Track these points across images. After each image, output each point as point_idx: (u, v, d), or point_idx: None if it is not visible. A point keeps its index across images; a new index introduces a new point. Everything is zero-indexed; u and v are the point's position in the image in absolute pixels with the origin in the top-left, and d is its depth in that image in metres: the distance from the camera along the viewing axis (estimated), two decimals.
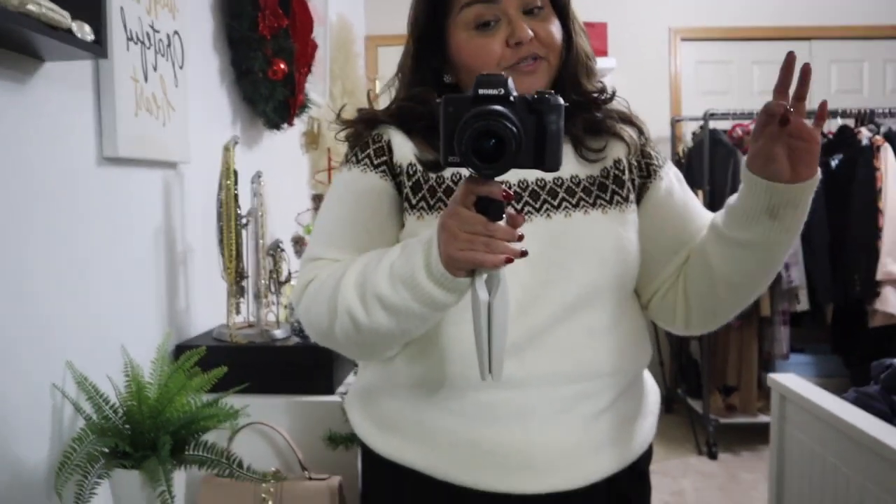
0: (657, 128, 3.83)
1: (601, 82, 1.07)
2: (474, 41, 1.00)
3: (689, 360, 3.83)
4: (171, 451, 1.22)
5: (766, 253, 0.96)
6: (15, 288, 1.15)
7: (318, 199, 2.32)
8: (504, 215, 0.83)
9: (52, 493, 1.17)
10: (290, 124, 2.33)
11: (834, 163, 3.32)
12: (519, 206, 0.97)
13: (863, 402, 1.29)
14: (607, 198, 1.03)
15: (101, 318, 1.39)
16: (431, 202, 1.01)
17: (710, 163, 3.24)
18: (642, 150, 1.07)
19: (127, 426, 1.27)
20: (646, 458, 1.09)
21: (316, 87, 2.64)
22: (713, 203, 3.23)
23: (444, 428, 1.00)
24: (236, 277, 1.70)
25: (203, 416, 1.29)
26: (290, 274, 1.79)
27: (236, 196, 1.69)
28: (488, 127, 0.79)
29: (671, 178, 1.08)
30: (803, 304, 3.18)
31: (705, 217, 1.06)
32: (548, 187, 1.01)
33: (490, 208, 0.81)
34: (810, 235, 3.16)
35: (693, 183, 3.33)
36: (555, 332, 0.97)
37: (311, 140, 2.78)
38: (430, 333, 0.99)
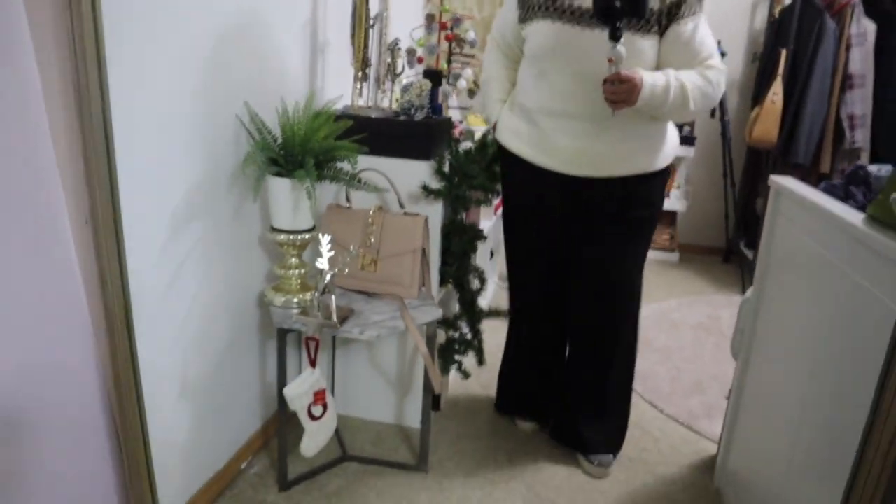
0: None
1: None
2: None
3: (752, 215, 4.13)
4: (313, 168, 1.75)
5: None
6: (212, 55, 1.66)
7: (430, 19, 2.71)
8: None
9: (237, 180, 1.73)
10: None
11: None
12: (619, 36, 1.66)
13: (828, 190, 1.66)
14: (648, 29, 1.75)
15: (268, 77, 1.90)
16: (537, 13, 1.82)
17: (799, 24, 3.39)
18: (670, 8, 1.74)
19: (282, 151, 1.80)
20: (662, 175, 1.96)
21: None
22: (794, 62, 3.42)
23: (549, 138, 1.88)
24: (362, 65, 2.17)
25: (336, 148, 1.80)
26: (403, 69, 2.25)
27: (367, 1, 2.13)
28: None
29: (685, 28, 1.76)
30: None
31: (703, 58, 1.81)
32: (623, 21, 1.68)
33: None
34: (884, 102, 3.33)
35: (779, 43, 3.52)
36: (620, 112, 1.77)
37: None
38: (560, 85, 1.82)
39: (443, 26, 2.70)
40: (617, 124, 1.81)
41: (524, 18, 1.87)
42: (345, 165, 1.87)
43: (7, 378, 1.20)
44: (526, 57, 1.92)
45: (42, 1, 1.11)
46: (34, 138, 1.20)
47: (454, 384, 2.56)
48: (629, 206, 1.92)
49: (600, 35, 1.71)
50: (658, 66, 1.81)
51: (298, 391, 1.79)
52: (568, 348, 2.18)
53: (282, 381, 1.86)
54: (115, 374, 1.27)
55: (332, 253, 1.73)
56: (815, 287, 1.58)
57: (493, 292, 3.47)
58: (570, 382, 2.15)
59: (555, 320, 2.16)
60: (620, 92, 1.68)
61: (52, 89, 1.17)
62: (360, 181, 1.82)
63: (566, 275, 2.07)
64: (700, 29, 1.79)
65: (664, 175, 1.96)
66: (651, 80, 1.72)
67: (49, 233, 1.27)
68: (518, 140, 1.97)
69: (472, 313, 2.27)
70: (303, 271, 1.90)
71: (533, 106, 1.90)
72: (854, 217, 1.40)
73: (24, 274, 1.21)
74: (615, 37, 1.64)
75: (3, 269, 1.16)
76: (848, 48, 3.26)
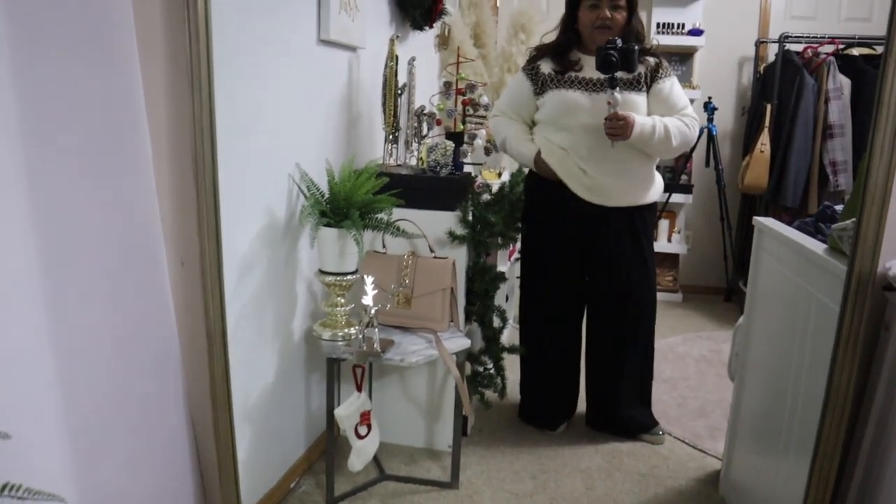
0: (743, 48, 4.33)
1: (644, 43, 2.39)
2: (585, 13, 2.37)
3: (750, 256, 4.39)
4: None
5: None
6: (267, 125, 1.97)
7: (447, 86, 3.03)
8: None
9: (288, 231, 2.02)
10: (430, 27, 3.05)
11: None
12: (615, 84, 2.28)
13: (801, 228, 1.93)
14: (639, 87, 2.22)
15: (315, 143, 2.21)
16: (551, 86, 2.42)
17: (781, 80, 3.72)
18: (652, 72, 2.39)
19: (328, 204, 2.09)
20: (651, 209, 2.54)
21: None
22: (779, 115, 3.74)
23: (574, 170, 2.40)
24: (392, 130, 2.48)
25: (375, 202, 2.09)
26: (428, 132, 2.56)
27: (396, 73, 2.45)
28: (605, 56, 2.20)
29: (664, 86, 2.39)
30: None
31: (680, 108, 2.42)
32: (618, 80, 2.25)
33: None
34: (862, 149, 3.63)
35: (764, 97, 3.85)
36: (618, 146, 2.34)
37: (443, 41, 3.49)
38: (575, 135, 2.38)
39: (459, 92, 3.02)
40: (616, 165, 2.36)
41: (539, 92, 2.44)
42: (382, 216, 2.16)
43: (103, 400, 1.46)
44: (544, 120, 2.45)
45: (159, 110, 1.42)
46: (144, 196, 1.49)
47: (478, 414, 2.80)
48: (629, 225, 2.48)
49: (598, 98, 2.32)
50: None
51: (348, 412, 2.04)
52: (596, 344, 2.67)
53: (330, 406, 2.12)
54: (212, 395, 1.54)
55: (375, 291, 2.00)
56: (791, 309, 1.85)
57: (508, 332, 3.72)
58: (613, 375, 2.64)
59: (573, 330, 2.65)
60: (617, 127, 2.25)
61: (161, 154, 1.47)
62: (398, 229, 2.11)
63: (583, 295, 2.60)
64: (675, 87, 2.42)
65: (654, 207, 2.59)
66: (641, 120, 2.30)
67: (150, 272, 1.56)
68: (554, 159, 2.43)
69: (495, 349, 2.52)
70: (347, 309, 2.17)
71: (571, 147, 2.41)
72: (818, 247, 1.67)
73: (127, 309, 1.49)
74: (612, 85, 2.22)
75: (109, 299, 1.44)
76: (826, 101, 3.58)
